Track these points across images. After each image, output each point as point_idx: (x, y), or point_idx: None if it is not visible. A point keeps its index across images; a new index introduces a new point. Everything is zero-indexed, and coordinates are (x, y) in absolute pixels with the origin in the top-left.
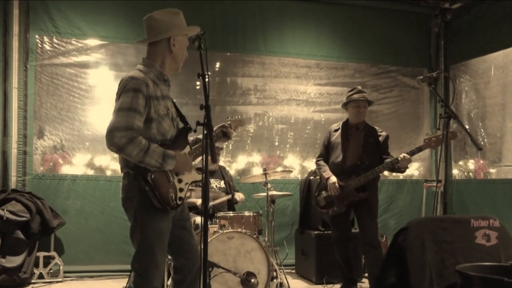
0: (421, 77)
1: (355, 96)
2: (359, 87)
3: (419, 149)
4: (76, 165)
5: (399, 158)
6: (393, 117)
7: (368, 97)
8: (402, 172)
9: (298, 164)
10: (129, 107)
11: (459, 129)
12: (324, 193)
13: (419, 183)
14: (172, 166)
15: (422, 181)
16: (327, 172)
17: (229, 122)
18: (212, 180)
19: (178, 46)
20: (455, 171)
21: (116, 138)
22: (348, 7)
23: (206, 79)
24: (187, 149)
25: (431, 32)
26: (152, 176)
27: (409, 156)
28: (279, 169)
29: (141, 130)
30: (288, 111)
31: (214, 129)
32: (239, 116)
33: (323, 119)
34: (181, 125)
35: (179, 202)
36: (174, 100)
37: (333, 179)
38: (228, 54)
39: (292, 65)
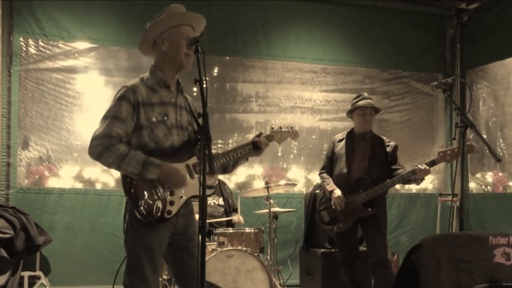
0: (436, 83)
1: (361, 102)
2: (365, 94)
3: (433, 163)
4: (64, 178)
5: (416, 169)
6: (405, 126)
7: (376, 104)
8: (418, 183)
9: (302, 177)
10: (110, 115)
11: (477, 139)
12: (328, 208)
13: (433, 197)
14: (155, 175)
15: (436, 195)
16: (331, 185)
17: (268, 133)
18: (210, 197)
19: (169, 43)
20: (472, 184)
21: (93, 147)
22: (357, 8)
23: (204, 85)
24: (193, 160)
25: (446, 34)
26: (134, 185)
27: (428, 168)
28: (282, 182)
29: (124, 138)
30: (292, 120)
31: (250, 141)
32: (291, 128)
33: (329, 128)
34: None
35: (167, 216)
36: None
37: (338, 192)
38: (227, 58)
39: (297, 70)
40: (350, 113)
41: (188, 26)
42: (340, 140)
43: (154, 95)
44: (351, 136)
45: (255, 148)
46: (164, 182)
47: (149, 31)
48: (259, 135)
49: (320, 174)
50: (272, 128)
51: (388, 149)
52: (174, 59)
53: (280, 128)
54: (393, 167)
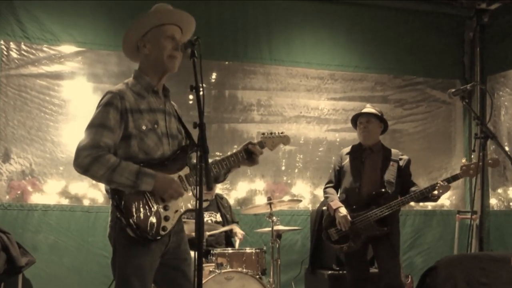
0: (453, 90)
1: (362, 111)
2: (368, 104)
3: (455, 178)
4: (48, 194)
5: (438, 185)
6: (420, 137)
7: (379, 111)
8: (435, 201)
9: (308, 192)
10: (97, 123)
11: (498, 152)
12: (336, 226)
13: (450, 215)
14: (150, 186)
15: (454, 213)
16: (336, 202)
17: (260, 140)
18: (206, 214)
19: (151, 44)
20: (493, 201)
21: (80, 158)
22: (368, 8)
23: (201, 93)
24: (185, 170)
25: (465, 37)
26: (125, 199)
27: (448, 184)
28: (286, 198)
29: (113, 148)
30: (297, 130)
31: (241, 147)
32: (282, 133)
33: (338, 140)
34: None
35: (162, 233)
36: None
37: (343, 211)
38: (227, 62)
39: (302, 76)
40: (354, 124)
41: (172, 26)
42: (348, 153)
43: (142, 101)
44: (359, 148)
45: (248, 156)
46: (160, 193)
47: (129, 35)
48: (250, 143)
49: (325, 188)
50: (263, 134)
51: (401, 163)
52: (157, 62)
53: (271, 133)
54: (407, 184)
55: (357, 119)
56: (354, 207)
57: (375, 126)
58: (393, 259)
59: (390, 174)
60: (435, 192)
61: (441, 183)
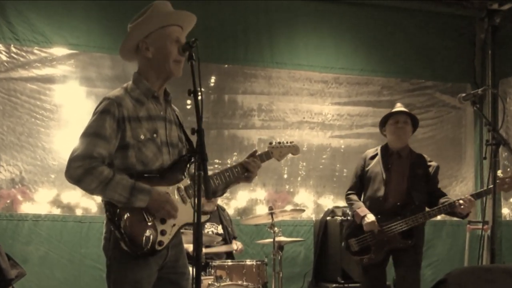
0: (464, 94)
1: (394, 110)
2: (399, 103)
3: (488, 192)
4: (39, 203)
5: (459, 203)
6: (429, 143)
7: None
8: (463, 218)
9: (311, 202)
10: (92, 132)
11: (510, 159)
12: (357, 235)
13: (461, 225)
14: (144, 203)
15: (465, 223)
16: (363, 209)
17: (267, 150)
18: (207, 225)
19: (155, 48)
20: (505, 210)
21: (71, 169)
22: (374, 8)
23: (199, 97)
24: (185, 181)
25: (476, 39)
26: (120, 212)
27: (473, 200)
28: (289, 207)
29: (108, 158)
30: (300, 136)
31: (242, 160)
32: (291, 143)
33: (342, 146)
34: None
35: (158, 248)
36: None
37: (371, 217)
38: (226, 66)
39: (305, 79)
40: (383, 126)
41: (175, 26)
42: (373, 157)
43: (141, 108)
44: (385, 152)
45: (244, 171)
46: (154, 211)
47: (131, 36)
48: (252, 154)
49: (347, 195)
50: (270, 143)
51: (430, 169)
52: (161, 67)
53: (279, 143)
54: (435, 193)
55: (389, 118)
56: (379, 217)
57: (409, 129)
58: (414, 273)
59: (418, 183)
60: (461, 207)
61: (464, 199)
